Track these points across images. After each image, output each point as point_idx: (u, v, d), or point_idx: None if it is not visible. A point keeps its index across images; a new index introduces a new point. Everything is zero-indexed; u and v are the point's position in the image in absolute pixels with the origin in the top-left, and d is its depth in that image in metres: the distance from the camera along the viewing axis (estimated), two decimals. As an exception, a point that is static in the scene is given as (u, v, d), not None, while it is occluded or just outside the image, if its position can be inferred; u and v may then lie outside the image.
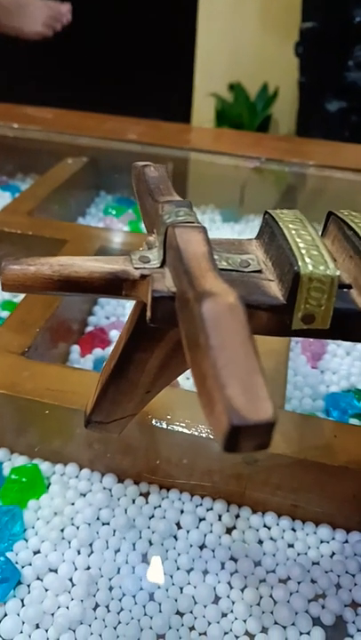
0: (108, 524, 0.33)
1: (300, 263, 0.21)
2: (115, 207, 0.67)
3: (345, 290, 0.23)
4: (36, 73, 1.53)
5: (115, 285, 0.22)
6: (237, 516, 0.34)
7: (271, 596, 0.30)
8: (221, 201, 0.68)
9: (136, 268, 0.21)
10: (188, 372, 0.38)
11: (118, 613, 0.29)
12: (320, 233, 0.26)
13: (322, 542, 0.33)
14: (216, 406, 0.15)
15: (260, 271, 0.23)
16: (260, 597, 0.30)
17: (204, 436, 0.32)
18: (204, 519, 0.34)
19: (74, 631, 0.28)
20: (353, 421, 0.40)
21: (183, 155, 0.67)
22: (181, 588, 0.31)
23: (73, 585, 0.30)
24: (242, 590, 0.31)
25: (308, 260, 0.21)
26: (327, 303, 0.21)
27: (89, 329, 0.48)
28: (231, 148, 0.67)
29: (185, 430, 0.32)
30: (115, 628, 0.29)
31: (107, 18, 1.63)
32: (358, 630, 0.29)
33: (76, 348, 0.45)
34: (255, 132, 0.69)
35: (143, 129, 0.68)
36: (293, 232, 0.23)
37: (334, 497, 0.32)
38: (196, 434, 0.32)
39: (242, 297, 0.21)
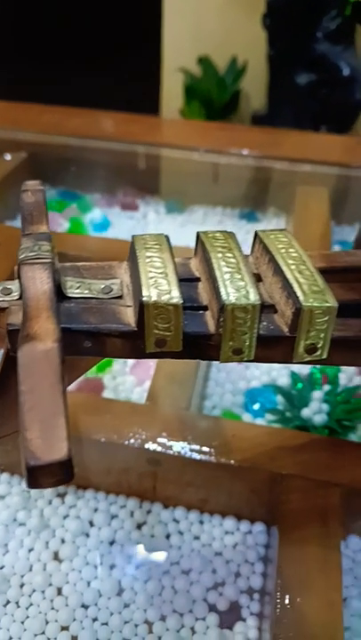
0: (25, 524, 0.35)
1: (145, 292, 0.22)
2: (58, 201, 0.67)
3: (201, 312, 0.24)
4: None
5: (-24, 318, 0.23)
6: (149, 512, 0.36)
7: (173, 587, 0.33)
8: (165, 192, 0.69)
9: (-5, 301, 0.22)
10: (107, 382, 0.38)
11: (27, 608, 0.31)
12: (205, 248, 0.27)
13: (227, 533, 0.35)
14: (21, 446, 0.16)
15: (120, 297, 0.24)
16: (163, 588, 0.33)
17: (115, 438, 0.34)
18: (116, 516, 0.36)
19: (-16, 627, 0.30)
20: (268, 416, 0.42)
21: (124, 147, 0.67)
22: (89, 583, 0.33)
23: (-13, 583, 0.32)
24: (145, 582, 0.33)
25: (153, 289, 0.22)
26: (175, 328, 0.23)
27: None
28: (173, 139, 0.67)
29: (99, 437, 0.34)
30: (22, 623, 0.31)
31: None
32: (251, 614, 0.32)
33: None
34: (199, 121, 0.69)
35: (82, 120, 0.68)
36: (148, 260, 0.24)
37: (236, 492, 0.34)
38: (106, 439, 0.34)
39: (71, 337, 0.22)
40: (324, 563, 0.28)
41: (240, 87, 1.80)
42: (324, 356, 0.24)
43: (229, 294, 0.22)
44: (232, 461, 0.33)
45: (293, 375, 0.44)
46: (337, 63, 1.69)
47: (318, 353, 0.24)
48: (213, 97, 1.75)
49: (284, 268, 0.24)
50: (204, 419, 0.35)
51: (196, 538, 0.35)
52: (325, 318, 0.23)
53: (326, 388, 0.43)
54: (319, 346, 0.24)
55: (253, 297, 0.22)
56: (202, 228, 0.66)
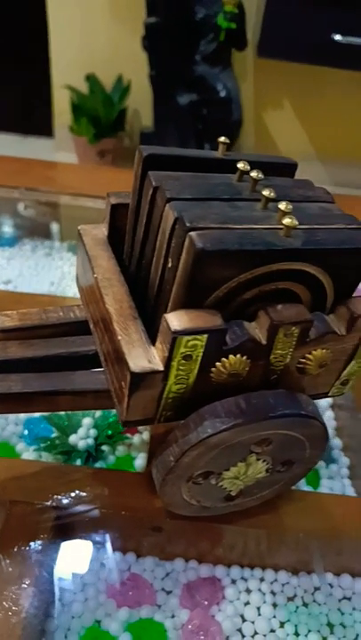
0: None
1: None
2: None
3: None
4: None
5: None
6: None
7: None
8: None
9: None
10: None
11: None
12: None
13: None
14: None
15: None
16: None
17: None
18: None
19: None
20: (41, 444, 0.47)
21: None
22: None
23: None
24: None
25: None
26: None
27: None
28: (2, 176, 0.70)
29: None
30: None
31: None
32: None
33: None
34: (24, 158, 0.72)
35: None
36: None
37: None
38: None
39: None
40: (16, 579, 0.33)
41: (128, 105, 1.86)
42: (-16, 408, 0.29)
43: None
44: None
45: (71, 404, 0.49)
46: (214, 85, 1.79)
47: (-23, 406, 0.29)
48: (101, 114, 1.80)
49: None
50: None
51: None
52: (-31, 380, 0.28)
53: (99, 413, 0.49)
54: (-25, 401, 0.29)
55: None
56: (30, 261, 0.71)
